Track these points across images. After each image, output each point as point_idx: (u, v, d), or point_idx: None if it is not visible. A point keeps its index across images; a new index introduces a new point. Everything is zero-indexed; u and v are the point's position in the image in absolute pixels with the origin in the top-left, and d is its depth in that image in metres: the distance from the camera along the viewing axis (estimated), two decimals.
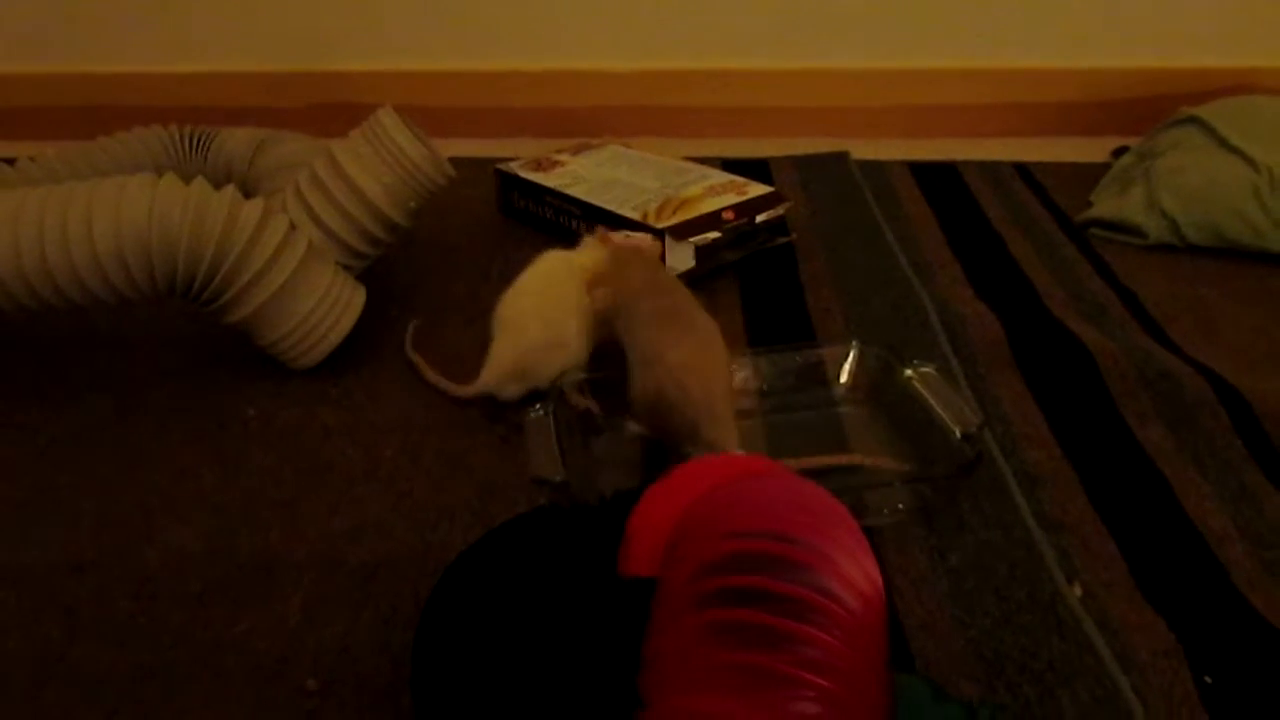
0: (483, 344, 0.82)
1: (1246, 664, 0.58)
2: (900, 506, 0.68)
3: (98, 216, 0.77)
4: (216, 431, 0.80)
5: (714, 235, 1.00)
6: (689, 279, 0.99)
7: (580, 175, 1.12)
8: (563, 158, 1.17)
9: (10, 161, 1.02)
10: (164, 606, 0.63)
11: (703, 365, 0.72)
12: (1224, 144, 1.07)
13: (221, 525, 0.70)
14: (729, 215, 1.02)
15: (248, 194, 0.99)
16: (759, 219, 1.04)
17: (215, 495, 0.73)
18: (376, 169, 0.87)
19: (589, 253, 0.85)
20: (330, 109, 1.45)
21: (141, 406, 0.83)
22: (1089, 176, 1.24)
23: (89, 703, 0.57)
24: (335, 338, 0.85)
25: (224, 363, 0.88)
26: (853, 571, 0.42)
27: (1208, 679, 0.57)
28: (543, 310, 0.81)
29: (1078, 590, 0.63)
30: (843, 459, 0.72)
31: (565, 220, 1.08)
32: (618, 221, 1.02)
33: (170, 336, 0.94)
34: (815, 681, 0.38)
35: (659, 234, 0.98)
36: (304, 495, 0.73)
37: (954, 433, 0.71)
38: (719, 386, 0.71)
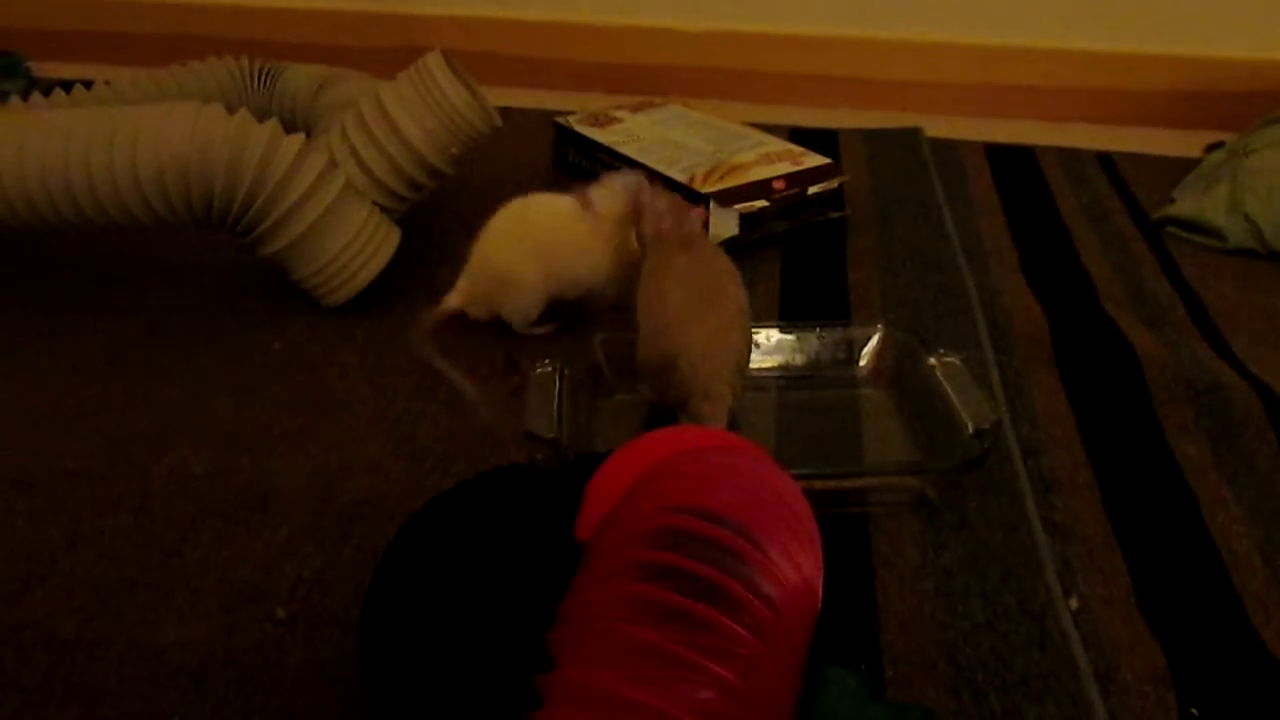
0: None
1: (1241, 699, 0.54)
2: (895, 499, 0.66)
3: (142, 140, 0.79)
4: (240, 361, 0.82)
5: (761, 204, 0.98)
6: (732, 246, 0.97)
7: (635, 134, 1.10)
8: (621, 114, 1.15)
9: (88, 85, 1.05)
10: (160, 524, 0.65)
11: (716, 350, 0.70)
12: None
13: (227, 451, 0.72)
14: (779, 185, 1.00)
15: (308, 130, 1.00)
16: (811, 190, 1.01)
17: (227, 422, 0.75)
18: (420, 113, 0.87)
19: (605, 200, 0.83)
20: (403, 51, 1.45)
21: (172, 330, 0.86)
22: (1179, 171, 1.16)
23: (70, 609, 0.59)
24: (365, 277, 0.86)
25: (257, 295, 0.90)
26: (781, 561, 0.40)
27: (1194, 711, 0.53)
28: (505, 246, 0.83)
29: (1074, 603, 0.60)
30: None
31: None
32: (664, 183, 1.00)
33: (209, 265, 0.95)
34: (711, 668, 0.36)
35: (704, 198, 0.96)
36: (310, 430, 0.74)
37: (967, 427, 0.68)
38: (725, 369, 0.69)
